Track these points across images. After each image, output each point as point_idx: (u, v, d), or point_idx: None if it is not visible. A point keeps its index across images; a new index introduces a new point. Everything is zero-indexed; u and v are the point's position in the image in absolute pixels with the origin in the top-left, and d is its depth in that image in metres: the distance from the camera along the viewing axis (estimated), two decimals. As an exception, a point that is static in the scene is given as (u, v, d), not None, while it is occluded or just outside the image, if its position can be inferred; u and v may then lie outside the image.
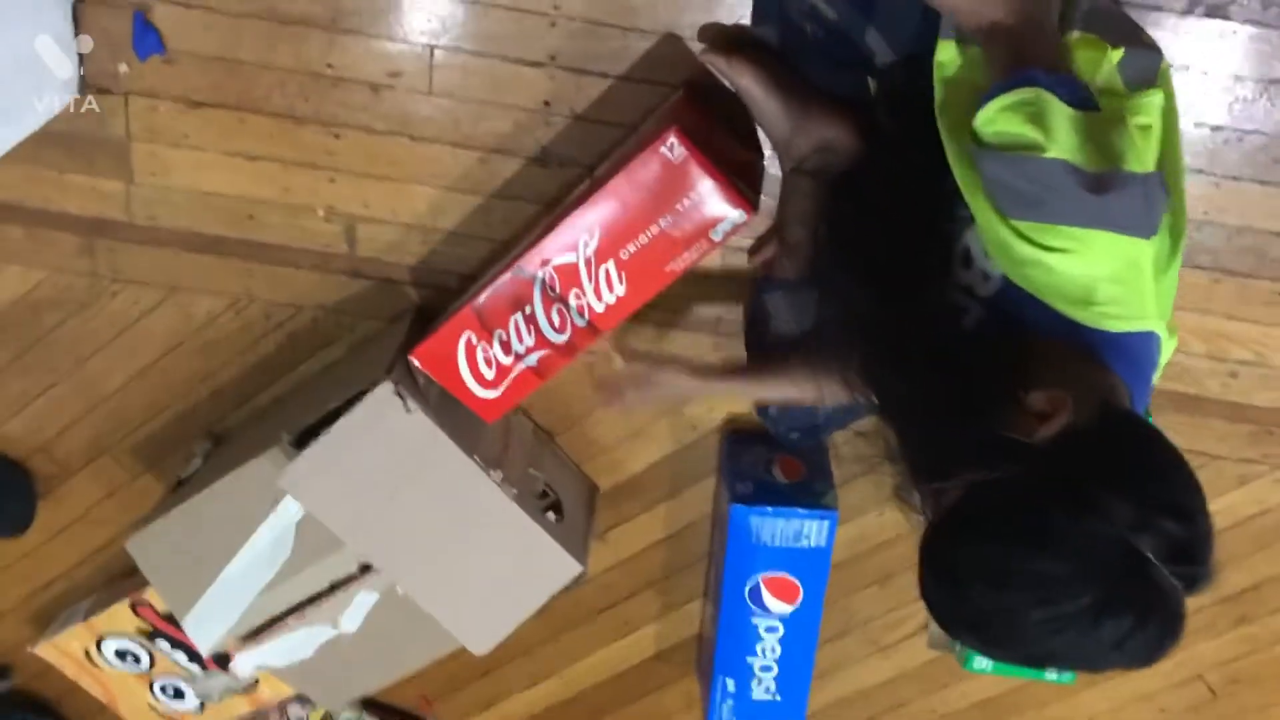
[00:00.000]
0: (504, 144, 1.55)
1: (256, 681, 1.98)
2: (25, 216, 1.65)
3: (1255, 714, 2.00)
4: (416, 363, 1.53)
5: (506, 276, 1.47)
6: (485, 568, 1.65)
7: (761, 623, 1.78)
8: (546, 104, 1.51)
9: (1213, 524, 0.91)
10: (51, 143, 1.57)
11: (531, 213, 1.60)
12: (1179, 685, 1.97)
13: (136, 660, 2.00)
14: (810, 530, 1.69)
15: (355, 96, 1.53)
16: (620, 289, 1.46)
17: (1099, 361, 0.96)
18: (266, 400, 1.82)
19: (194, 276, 1.69)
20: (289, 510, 1.63)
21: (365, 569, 1.69)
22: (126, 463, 1.90)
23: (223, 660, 1.96)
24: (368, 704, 2.15)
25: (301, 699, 2.09)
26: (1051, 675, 1.74)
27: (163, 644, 1.97)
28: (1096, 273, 0.91)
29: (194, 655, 1.98)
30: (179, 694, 2.04)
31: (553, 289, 1.47)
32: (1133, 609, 0.86)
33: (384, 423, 1.53)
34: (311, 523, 1.63)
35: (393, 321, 1.72)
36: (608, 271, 1.45)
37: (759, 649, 1.80)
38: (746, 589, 1.75)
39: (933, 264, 1.05)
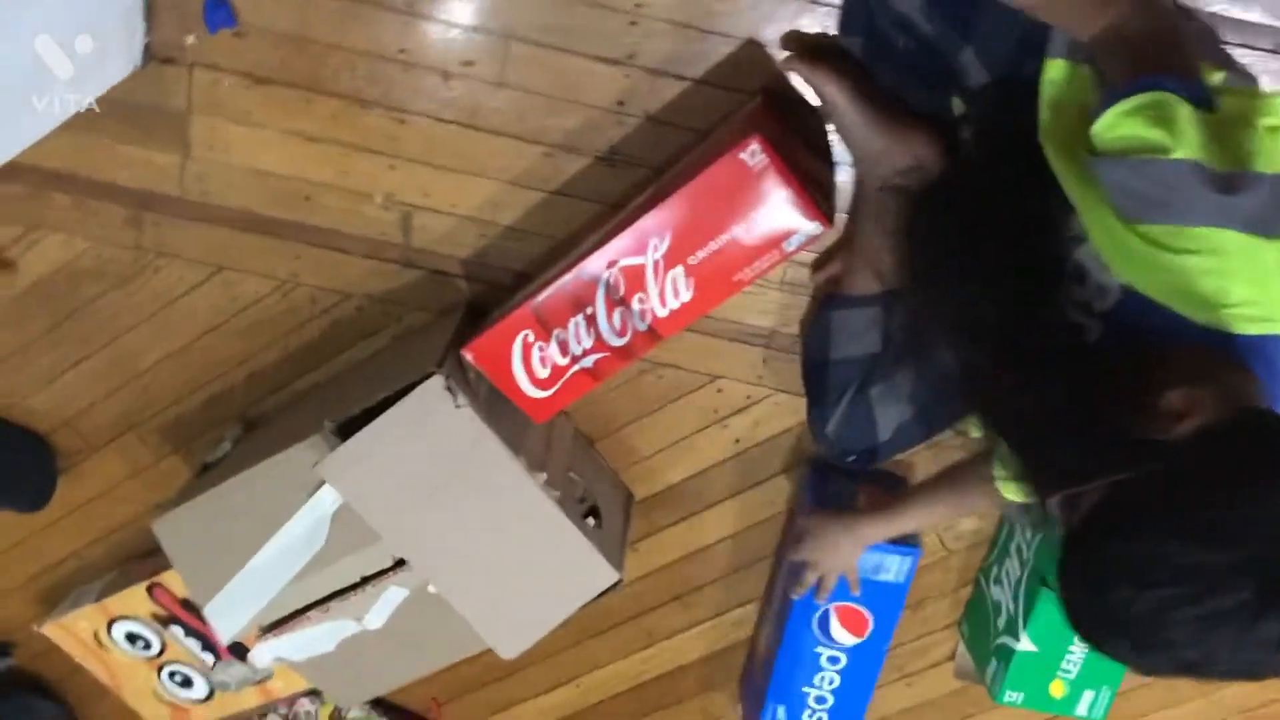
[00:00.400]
0: (572, 141, 1.52)
1: (269, 675, 1.95)
2: (74, 185, 1.62)
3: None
4: (469, 358, 1.50)
5: (570, 276, 1.45)
6: (521, 570, 1.62)
7: (825, 652, 1.76)
8: (620, 103, 1.49)
9: None
10: (108, 112, 1.54)
11: (594, 213, 1.57)
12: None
13: (147, 645, 1.96)
14: (891, 565, 1.66)
15: (425, 83, 1.50)
16: (686, 295, 1.44)
17: (1233, 361, 0.94)
18: (304, 387, 1.78)
19: (242, 256, 1.66)
20: (326, 500, 1.60)
21: (398, 565, 1.65)
22: (153, 443, 1.86)
23: (237, 650, 1.92)
24: (376, 703, 2.12)
25: (313, 694, 2.05)
26: (1083, 711, 1.73)
27: (176, 630, 1.93)
28: (1227, 274, 0.89)
29: (207, 644, 1.94)
30: (187, 682, 2.00)
31: (617, 291, 1.45)
32: None
33: (431, 417, 1.50)
34: (347, 514, 1.59)
35: (441, 314, 1.69)
36: (675, 277, 1.43)
37: (818, 679, 1.78)
38: (815, 617, 1.72)
39: (1044, 283, 1.03)
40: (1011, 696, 1.72)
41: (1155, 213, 0.88)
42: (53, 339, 1.76)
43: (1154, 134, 0.86)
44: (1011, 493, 1.31)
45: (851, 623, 1.74)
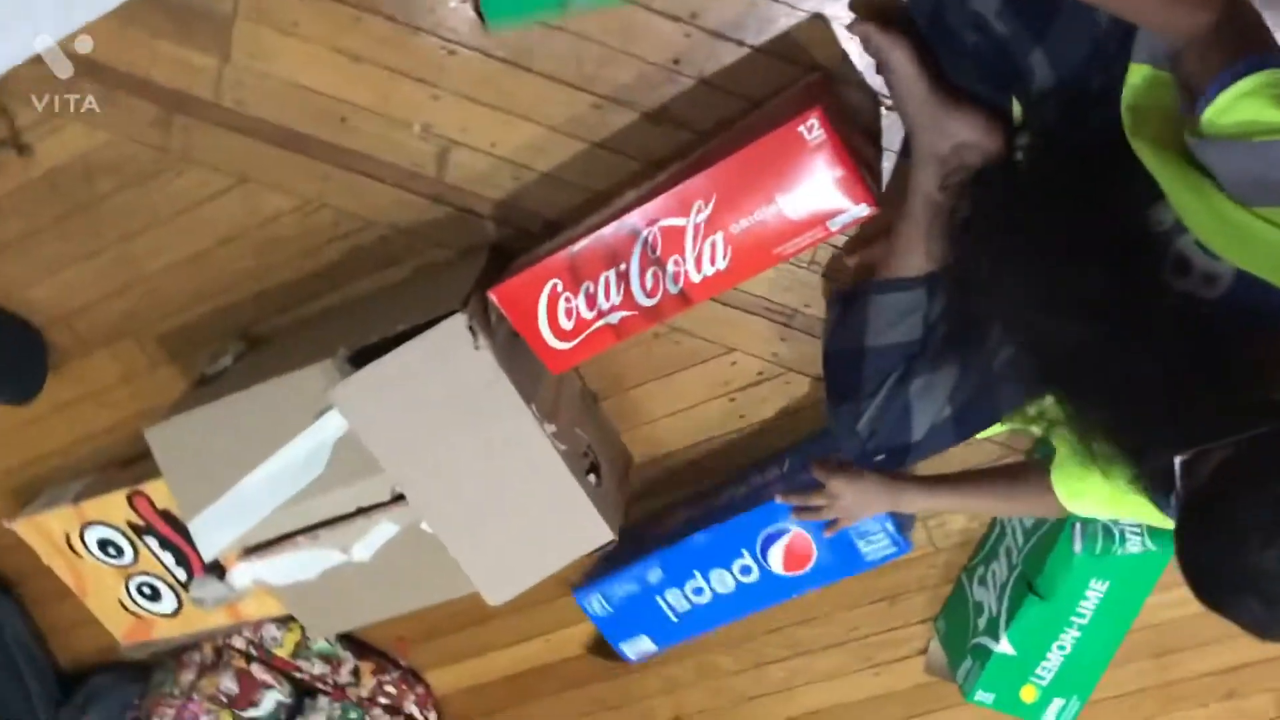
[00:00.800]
0: (622, 94, 1.51)
1: (245, 595, 1.92)
2: (105, 75, 1.58)
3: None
4: (494, 300, 1.49)
5: (608, 230, 1.44)
6: (517, 518, 1.61)
7: (744, 561, 1.69)
8: (675, 62, 1.48)
9: None
10: (152, 4, 1.50)
11: (633, 170, 1.56)
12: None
13: (119, 553, 1.93)
14: (877, 542, 1.64)
15: (476, 17, 1.48)
16: (722, 263, 1.43)
17: None
18: (313, 311, 1.76)
19: (269, 170, 1.63)
20: (330, 426, 1.58)
21: (394, 500, 1.64)
22: (151, 350, 1.83)
23: (214, 568, 1.89)
24: (343, 637, 2.10)
25: (280, 621, 2.03)
26: (1050, 718, 1.75)
27: (151, 541, 1.90)
28: None
29: (181, 558, 1.92)
30: (155, 595, 1.97)
31: (654, 250, 1.43)
32: None
33: (449, 355, 1.49)
34: (349, 444, 1.58)
35: (464, 254, 1.67)
36: (714, 242, 1.42)
37: (715, 575, 1.72)
38: (767, 530, 1.66)
39: (1148, 265, 1.03)
40: (982, 696, 1.74)
41: None
42: (62, 230, 1.72)
43: (1277, 114, 0.85)
44: (1070, 495, 1.31)
45: (793, 557, 1.68)
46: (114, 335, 1.82)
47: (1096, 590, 1.63)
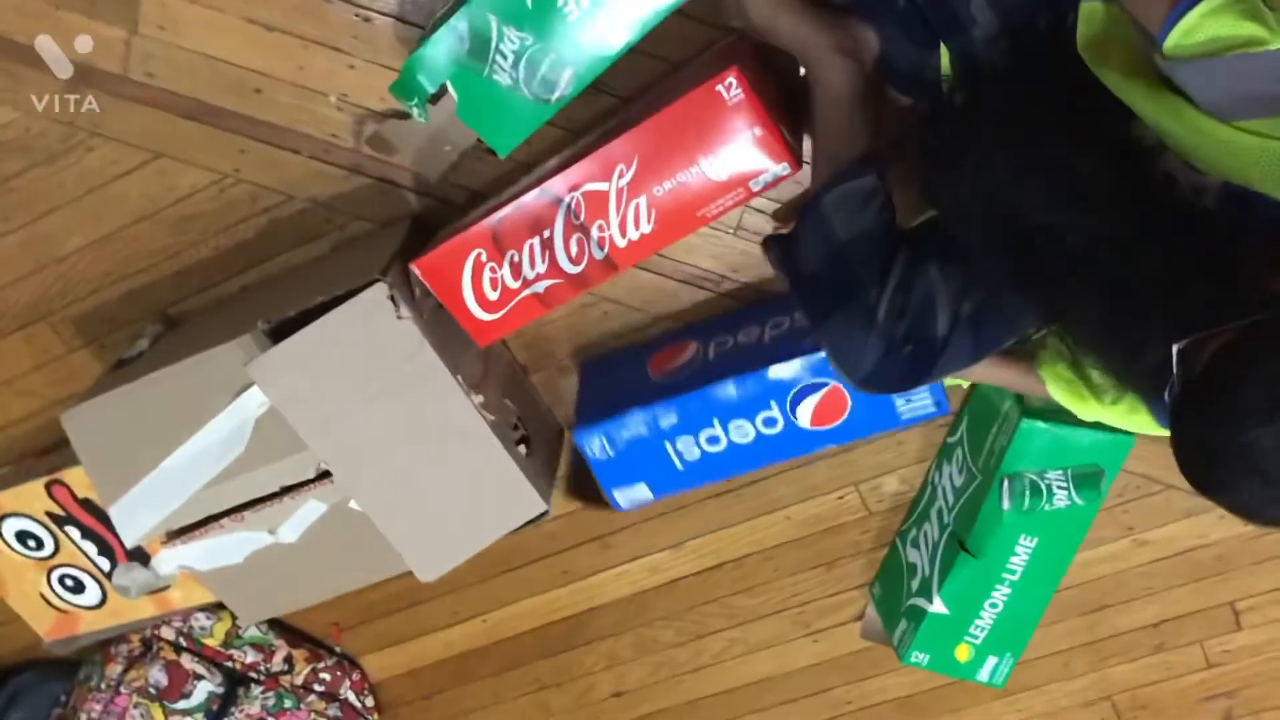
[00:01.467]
0: (542, 60, 1.49)
1: (170, 584, 1.88)
2: (5, 49, 1.53)
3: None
4: (417, 273, 1.46)
5: (530, 197, 1.42)
6: (447, 492, 1.59)
7: (769, 413, 1.58)
8: (594, 26, 1.46)
9: None
10: (54, -27, 1.46)
11: (556, 137, 1.54)
12: (1087, 705, 2.02)
13: (39, 545, 1.88)
14: (916, 401, 1.54)
15: (394, -18, 1.45)
16: (646, 227, 1.42)
17: None
18: (233, 289, 1.72)
19: (182, 145, 1.59)
20: (251, 403, 1.55)
21: (320, 477, 1.61)
22: (65, 334, 1.78)
23: (138, 556, 1.85)
24: (274, 624, 2.07)
25: (210, 610, 1.99)
26: (984, 677, 1.77)
27: (72, 531, 1.85)
28: None
29: (104, 548, 1.87)
30: (79, 587, 1.92)
31: (577, 216, 1.42)
32: None
33: (370, 325, 1.47)
34: (271, 421, 1.54)
35: (385, 226, 1.64)
36: (638, 206, 1.41)
37: (731, 426, 1.60)
38: (799, 386, 1.55)
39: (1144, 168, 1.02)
40: (918, 657, 1.75)
41: (1265, 108, 0.87)
42: (-33, 213, 1.67)
43: (1246, 29, 0.85)
44: (1058, 387, 1.31)
45: (824, 412, 1.58)
46: (26, 320, 1.77)
47: (1025, 546, 1.64)
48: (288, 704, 2.03)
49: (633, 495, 1.69)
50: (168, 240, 1.67)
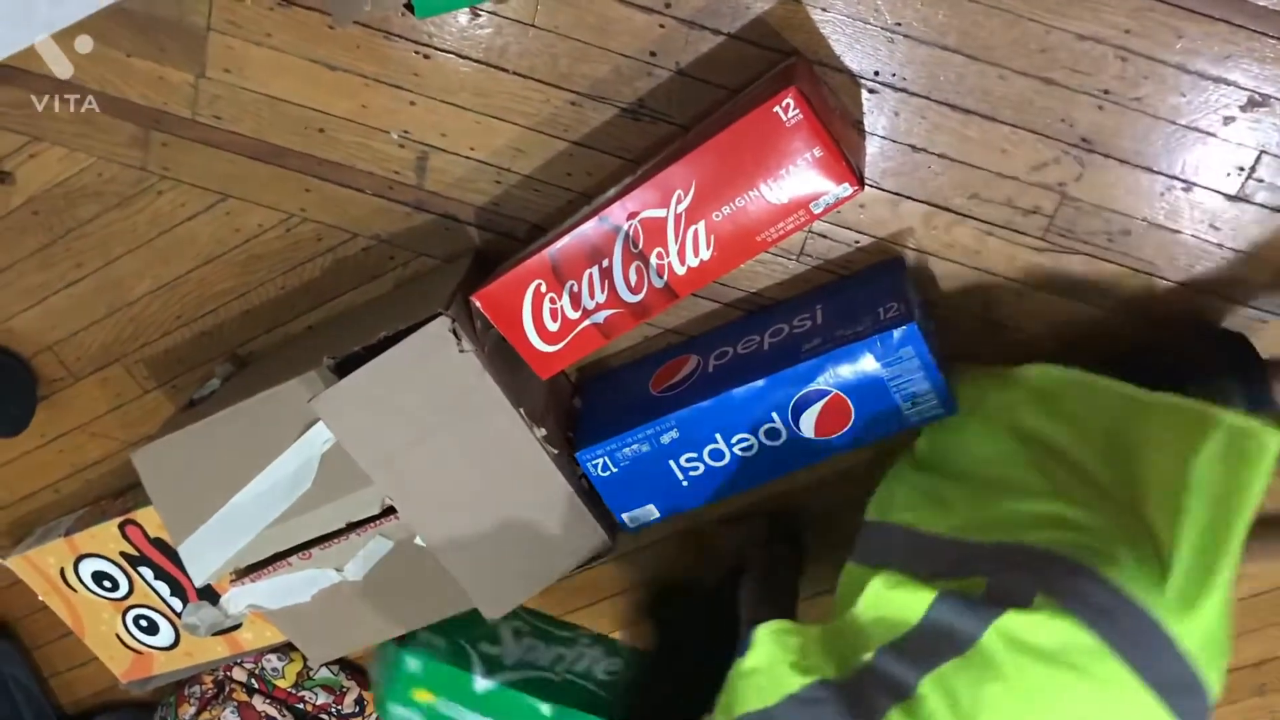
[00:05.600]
0: (599, 90, 1.49)
1: (239, 623, 1.89)
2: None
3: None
4: (478, 305, 1.46)
5: (588, 226, 1.41)
6: (512, 528, 1.57)
7: (771, 425, 1.52)
8: (652, 54, 1.46)
9: None
10: (124, 22, 1.49)
11: (615, 167, 1.54)
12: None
13: (114, 586, 1.90)
14: (924, 403, 1.47)
15: (453, 18, 1.46)
16: (706, 253, 1.40)
17: None
18: (300, 328, 1.73)
19: (249, 186, 1.61)
20: (316, 439, 1.55)
21: (385, 513, 1.60)
22: (139, 375, 1.81)
23: (208, 596, 1.86)
24: (344, 664, 2.06)
25: (280, 651, 1.99)
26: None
27: (145, 571, 1.87)
28: None
29: (176, 589, 1.89)
30: (152, 628, 1.94)
31: (635, 244, 1.41)
32: None
33: (434, 359, 1.46)
34: (336, 457, 1.55)
35: (448, 262, 1.64)
36: (697, 232, 1.39)
37: (733, 440, 1.54)
38: (801, 393, 1.50)
39: None
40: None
41: None
42: (44, 258, 1.71)
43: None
44: None
45: (828, 420, 1.52)
46: (101, 363, 1.80)
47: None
48: (359, 746, 2.02)
49: (640, 516, 1.65)
50: (236, 280, 1.70)
